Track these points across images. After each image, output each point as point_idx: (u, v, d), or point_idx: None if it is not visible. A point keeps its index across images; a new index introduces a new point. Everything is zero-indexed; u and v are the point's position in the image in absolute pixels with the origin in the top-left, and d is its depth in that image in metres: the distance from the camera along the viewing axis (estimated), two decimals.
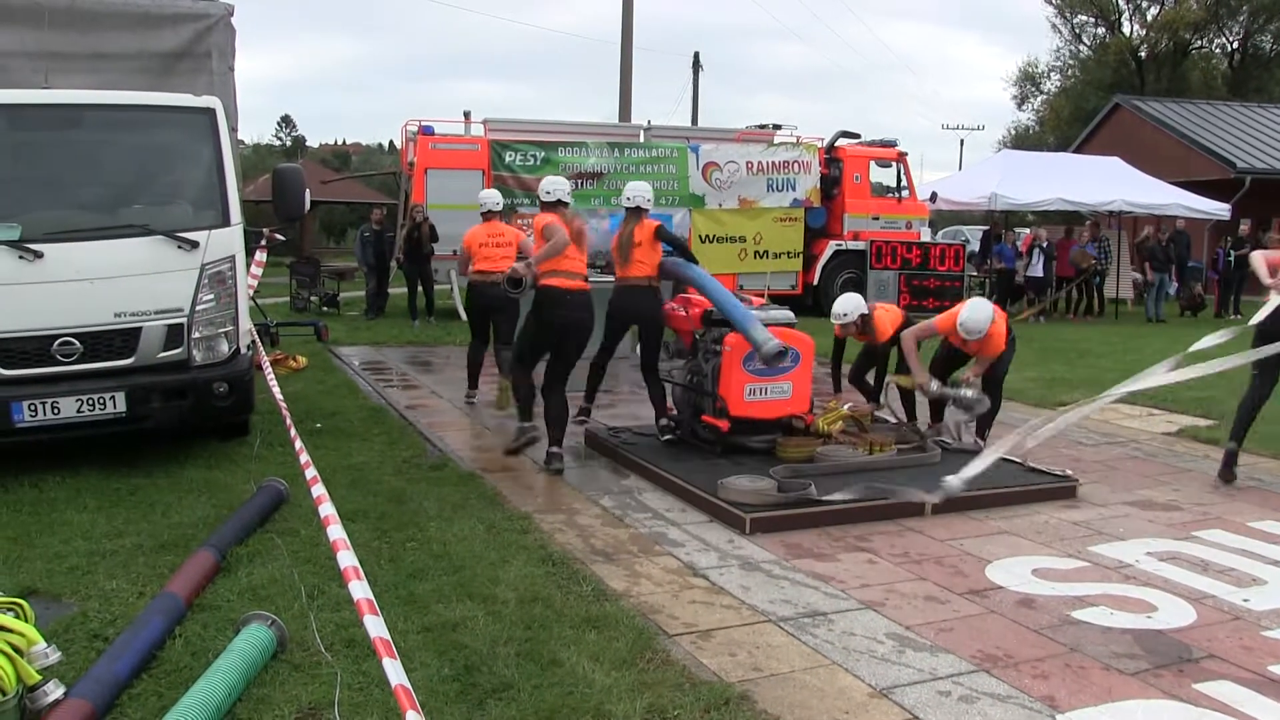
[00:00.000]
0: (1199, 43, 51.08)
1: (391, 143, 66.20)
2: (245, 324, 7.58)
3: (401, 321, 17.19)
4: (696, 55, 41.72)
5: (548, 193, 7.90)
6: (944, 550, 6.04)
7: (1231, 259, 23.84)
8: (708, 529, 6.29)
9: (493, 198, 10.89)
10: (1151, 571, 5.77)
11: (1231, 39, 51.28)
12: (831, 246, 20.71)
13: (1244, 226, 24.79)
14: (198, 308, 7.03)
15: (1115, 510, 7.07)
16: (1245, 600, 5.38)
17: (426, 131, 18.33)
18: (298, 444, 5.96)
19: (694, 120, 38.94)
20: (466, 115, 19.14)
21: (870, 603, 5.14)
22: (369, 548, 5.52)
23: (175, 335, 6.98)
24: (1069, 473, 7.64)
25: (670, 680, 4.10)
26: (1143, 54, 50.54)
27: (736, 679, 4.18)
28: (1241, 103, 38.26)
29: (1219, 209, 24.30)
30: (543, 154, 18.63)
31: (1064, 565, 5.84)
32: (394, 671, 2.96)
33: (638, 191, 8.38)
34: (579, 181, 18.70)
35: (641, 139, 19.94)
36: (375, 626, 3.24)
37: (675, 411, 8.35)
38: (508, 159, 18.42)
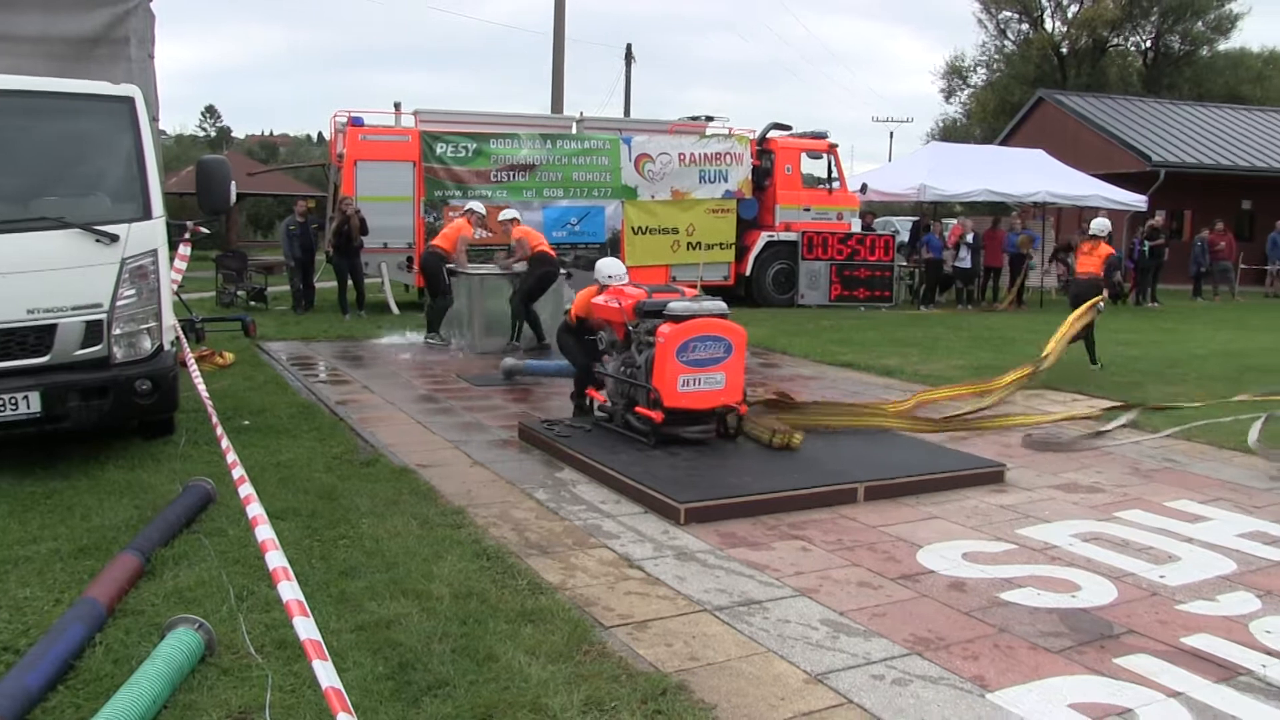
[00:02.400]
0: (1116, 40, 52.46)
1: (320, 134, 65.48)
2: (169, 320, 7.41)
3: (331, 315, 16.98)
4: (629, 47, 41.69)
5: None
6: (876, 536, 6.10)
7: (1145, 249, 24.38)
8: (643, 520, 6.29)
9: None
10: (1076, 552, 5.89)
11: (1145, 38, 52.77)
12: (763, 238, 20.83)
13: (1159, 218, 25.35)
14: (118, 303, 6.85)
15: (1041, 494, 7.19)
16: (1162, 577, 5.53)
17: (356, 123, 18.10)
18: (224, 442, 5.85)
19: (626, 112, 38.94)
20: (397, 106, 18.95)
21: (804, 590, 5.17)
22: (300, 546, 5.44)
23: (94, 332, 6.79)
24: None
25: (607, 672, 4.09)
26: (1064, 50, 51.66)
27: (673, 669, 4.19)
28: (1156, 99, 39.32)
29: (1137, 200, 24.85)
30: (474, 145, 18.49)
31: (993, 548, 5.93)
32: (325, 673, 2.91)
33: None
34: (510, 173, 18.61)
35: (574, 130, 19.88)
36: (305, 628, 3.18)
37: (608, 403, 8.35)
38: (439, 150, 18.27)
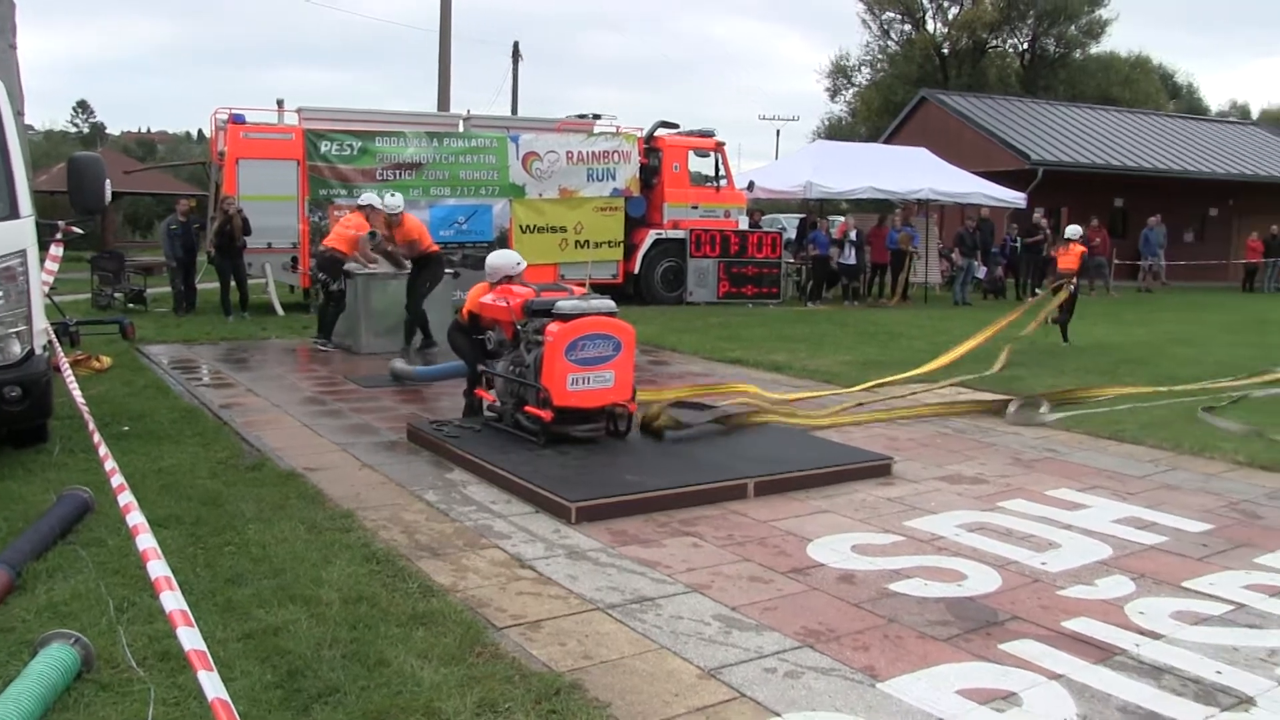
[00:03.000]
0: (995, 42, 54.08)
1: (200, 131, 63.84)
2: (40, 323, 7.15)
3: (214, 317, 16.59)
4: (516, 45, 41.38)
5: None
6: (767, 531, 6.16)
7: (1018, 245, 25.12)
8: (534, 520, 6.27)
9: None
10: (961, 542, 6.03)
11: (1022, 40, 54.52)
12: (652, 235, 20.92)
13: (1038, 214, 26.13)
14: None
15: (928, 486, 7.34)
16: (1043, 564, 5.68)
17: (237, 120, 17.69)
18: (102, 449, 5.67)
19: (514, 110, 38.82)
20: (280, 104, 18.61)
21: (696, 586, 5.21)
22: (183, 555, 5.30)
23: None
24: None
25: (500, 673, 4.07)
26: (945, 50, 52.97)
27: (567, 668, 4.18)
28: (1033, 99, 40.59)
29: (1016, 198, 25.57)
30: (359, 144, 18.24)
31: (881, 540, 6.04)
32: (210, 684, 2.84)
33: None
34: (396, 172, 18.39)
35: (461, 129, 19.75)
36: (189, 638, 3.10)
37: (498, 402, 8.30)
38: (323, 149, 17.98)
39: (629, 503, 6.44)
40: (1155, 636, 4.69)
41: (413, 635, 4.39)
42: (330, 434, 8.52)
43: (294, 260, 17.88)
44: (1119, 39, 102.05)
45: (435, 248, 13.36)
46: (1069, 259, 15.75)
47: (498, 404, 8.31)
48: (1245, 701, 4.08)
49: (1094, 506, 6.85)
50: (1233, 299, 26.63)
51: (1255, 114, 63.34)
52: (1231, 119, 53.24)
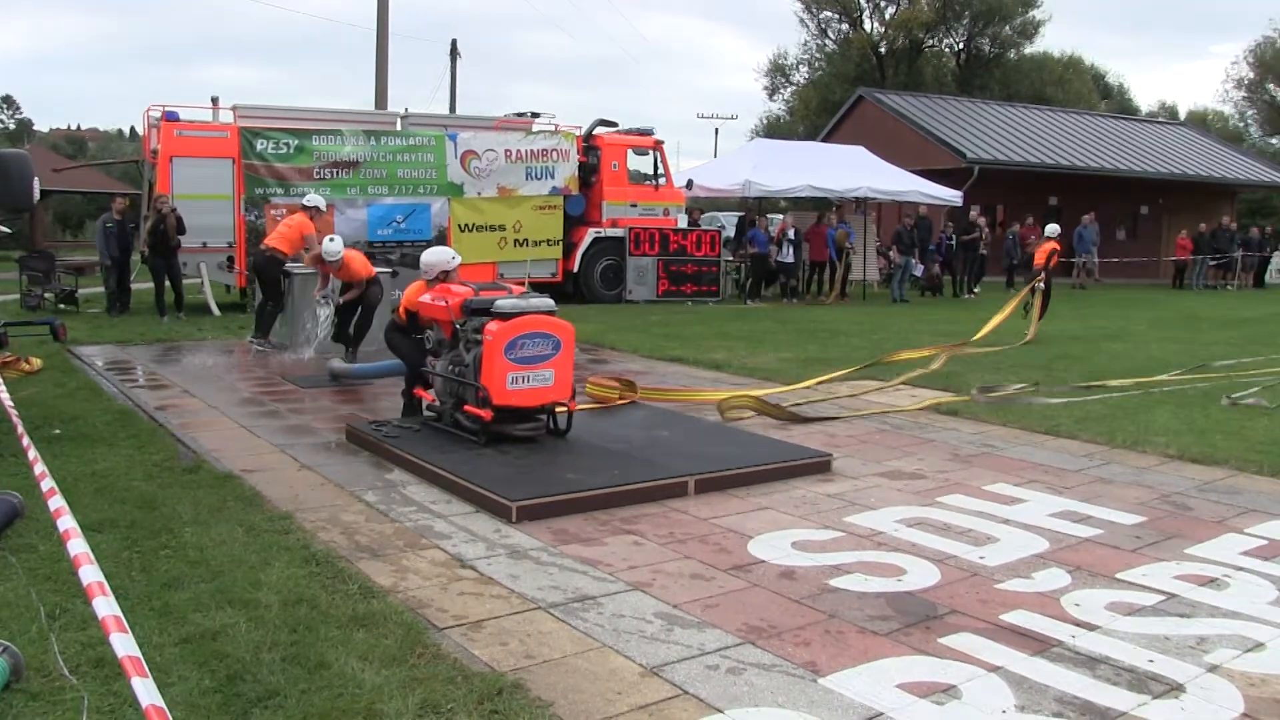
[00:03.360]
0: (931, 42, 54.84)
1: (133, 128, 62.82)
2: None
3: (149, 318, 16.33)
4: (454, 42, 41.18)
5: None
6: (707, 529, 6.18)
7: (954, 243, 25.43)
8: (474, 519, 6.24)
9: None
10: (901, 537, 6.08)
11: (958, 40, 55.33)
12: (591, 234, 20.91)
13: (975, 212, 26.45)
14: None
15: (867, 482, 7.40)
16: (981, 558, 5.75)
17: (171, 117, 17.42)
18: (32, 452, 5.56)
19: (452, 108, 38.60)
20: (215, 101, 18.35)
21: (638, 584, 5.21)
22: (118, 559, 5.22)
23: None
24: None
25: (442, 674, 4.04)
26: (882, 50, 53.53)
27: (509, 668, 4.16)
28: (969, 98, 41.14)
29: (953, 196, 25.87)
30: (296, 142, 18.04)
31: (821, 536, 6.08)
32: (145, 690, 2.78)
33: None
34: (334, 170, 18.22)
35: (399, 127, 19.61)
36: (124, 644, 3.04)
37: (437, 402, 8.26)
38: (259, 147, 17.76)
39: (570, 501, 6.44)
40: (1091, 628, 4.77)
41: (353, 637, 4.36)
42: (268, 435, 8.42)
43: (230, 260, 17.65)
44: (1052, 40, 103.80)
45: (374, 272, 13.09)
46: (1039, 255, 17.28)
47: (437, 403, 8.27)
48: (1176, 689, 4.16)
49: (1030, 501, 6.95)
50: (1163, 296, 27.16)
51: (1182, 115, 64.61)
52: (1161, 119, 54.29)
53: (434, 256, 8.61)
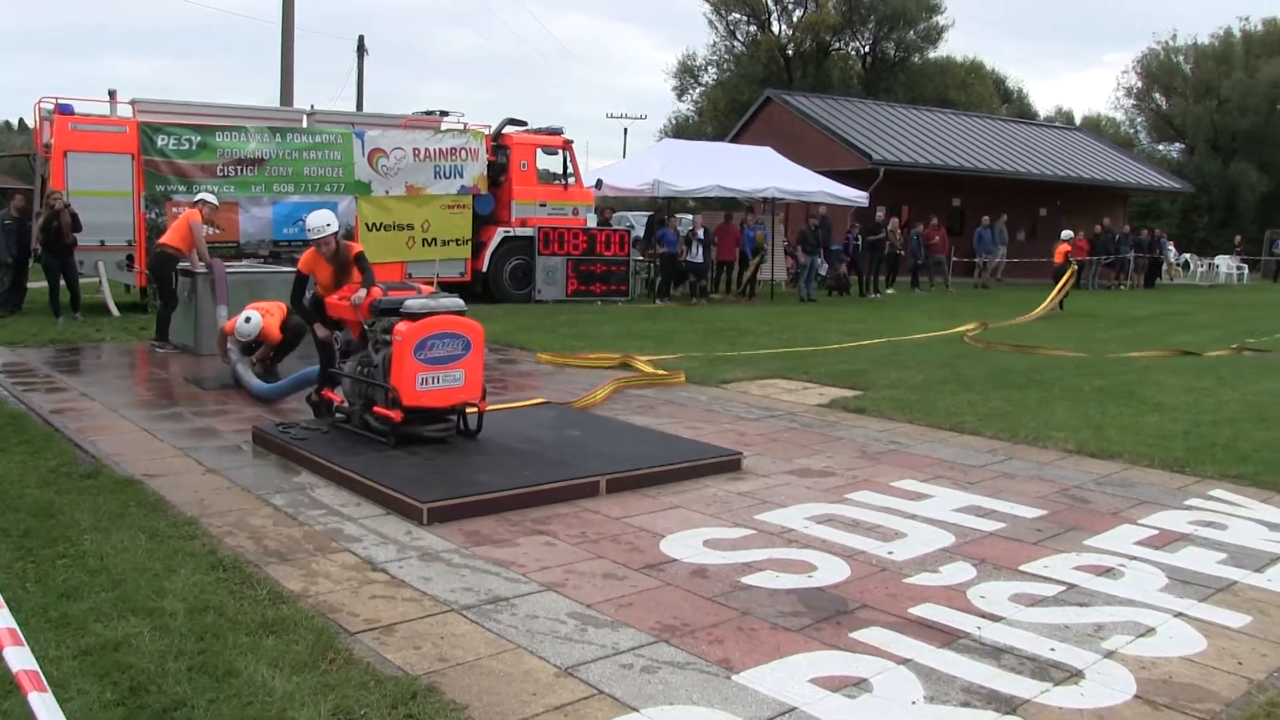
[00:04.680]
0: (838, 45, 55.73)
1: (23, 121, 60.86)
2: None
3: (43, 318, 15.83)
4: (361, 39, 40.56)
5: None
6: (620, 528, 6.19)
7: (860, 243, 25.80)
8: (385, 522, 6.18)
9: None
10: (811, 534, 6.16)
11: (864, 44, 56.27)
12: (500, 233, 20.78)
13: (881, 213, 26.87)
14: None
15: (777, 479, 7.47)
16: (890, 553, 5.85)
17: (65, 110, 16.89)
18: None
19: (359, 106, 38.05)
20: (112, 94, 17.82)
21: (551, 584, 5.20)
22: (11, 570, 5.06)
23: None
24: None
25: (355, 679, 4.00)
26: (790, 52, 54.18)
27: (422, 671, 4.13)
28: (875, 101, 41.80)
29: (859, 196, 26.22)
30: (199, 138, 17.64)
31: (733, 534, 6.13)
32: (43, 706, 2.70)
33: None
34: (238, 168, 17.88)
35: (305, 124, 19.29)
36: (19, 658, 2.95)
37: (346, 403, 8.15)
38: (160, 143, 17.33)
39: (481, 502, 6.41)
40: (995, 619, 4.89)
41: (263, 644, 4.28)
42: (171, 438, 8.24)
43: (129, 259, 17.21)
44: (955, 45, 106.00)
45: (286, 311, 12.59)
46: (1058, 256, 23.48)
47: (346, 405, 8.16)
48: (1076, 675, 4.31)
49: (937, 496, 7.08)
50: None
51: (1078, 121, 66.47)
52: (1058, 124, 55.77)
53: (310, 220, 8.50)
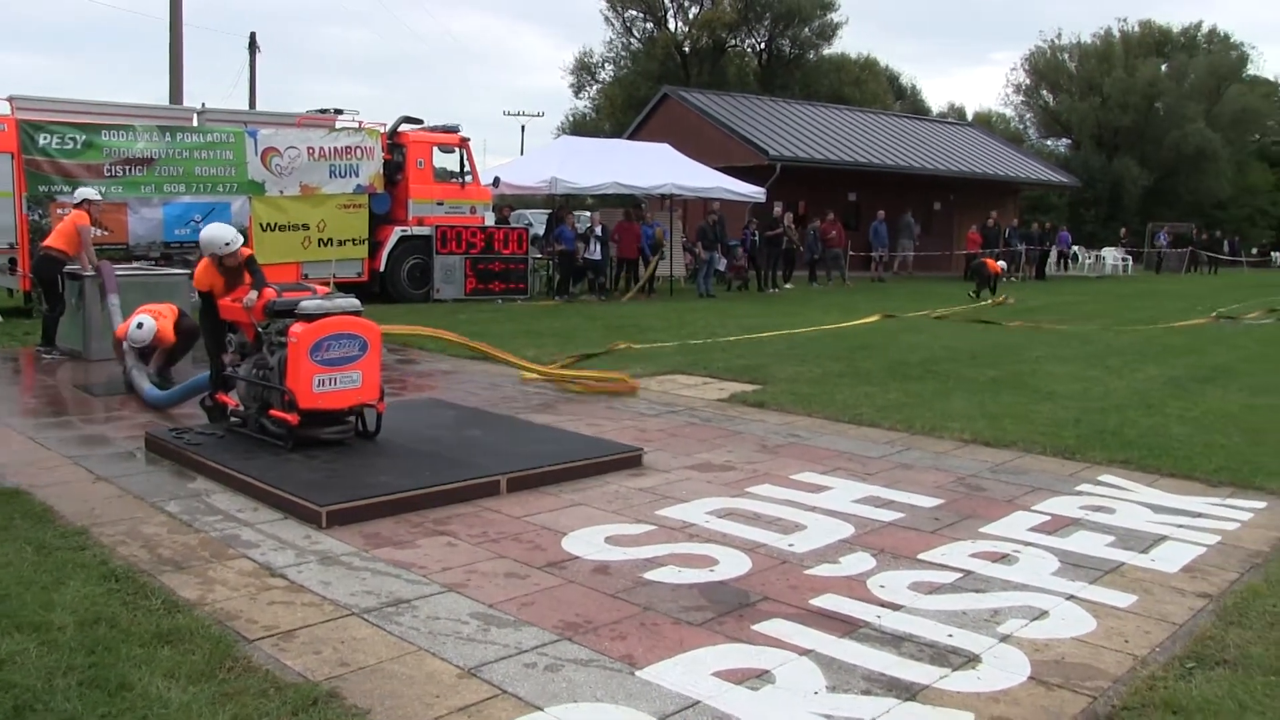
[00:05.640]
0: (734, 42, 56.25)
1: None
2: None
3: None
4: (253, 35, 39.82)
5: None
6: (521, 527, 6.17)
7: (757, 238, 26.06)
8: (283, 526, 6.07)
9: None
10: (712, 528, 6.20)
11: (760, 40, 56.89)
12: (397, 233, 20.57)
13: (778, 208, 27.16)
14: None
15: (678, 475, 7.51)
16: (791, 545, 5.91)
17: None
18: None
19: (252, 104, 37.36)
20: None
21: (453, 585, 5.17)
22: None
23: None
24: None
25: (254, 687, 3.92)
26: (687, 49, 54.51)
27: (323, 677, 4.07)
28: (771, 97, 42.26)
29: (756, 192, 26.46)
30: (84, 137, 17.13)
31: (634, 530, 6.14)
32: None
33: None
34: (126, 167, 17.42)
35: (195, 123, 18.85)
36: None
37: (241, 407, 7.99)
38: (42, 142, 16.78)
39: (381, 504, 6.33)
40: (895, 607, 4.97)
41: (157, 655, 4.18)
42: (59, 446, 7.99)
43: (11, 262, 16.66)
44: (849, 42, 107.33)
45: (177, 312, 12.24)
46: None
47: (241, 408, 8.00)
48: (973, 660, 4.40)
49: (836, 488, 7.18)
50: (955, 288, 28.31)
51: (969, 117, 68.02)
52: (951, 120, 56.99)
53: (207, 236, 8.19)
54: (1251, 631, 4.73)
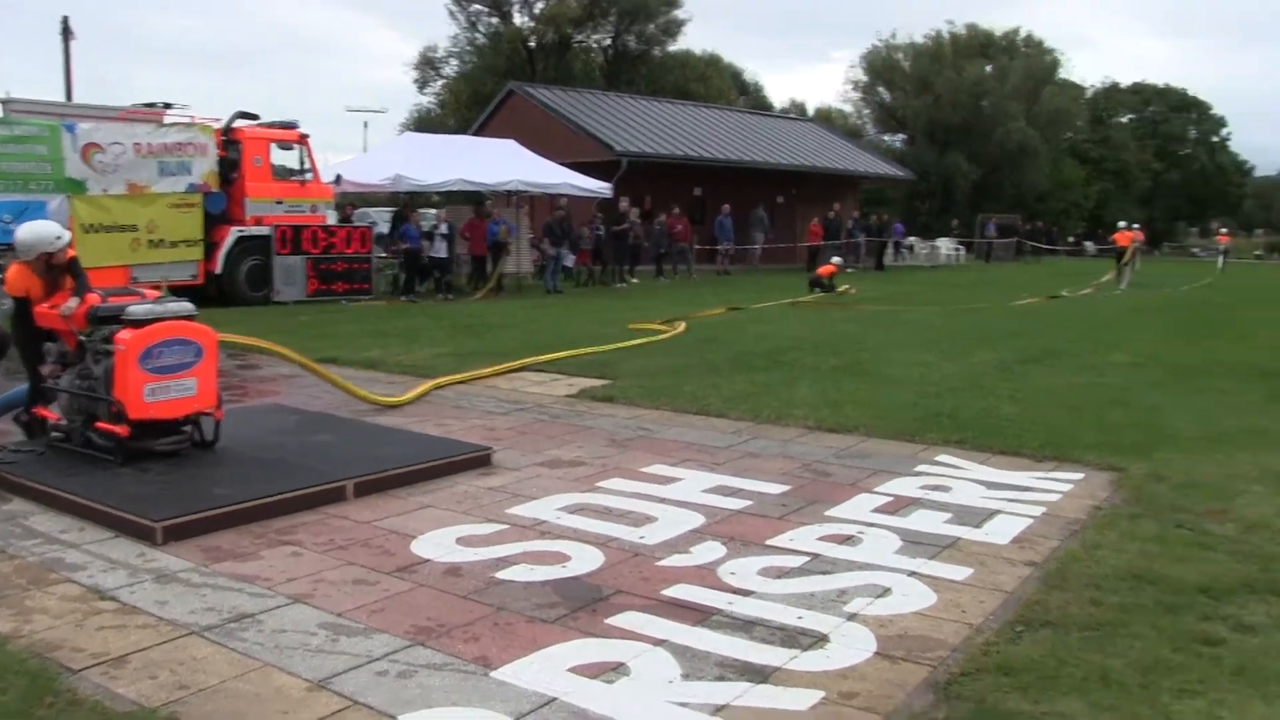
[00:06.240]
0: (580, 37, 56.35)
1: None
2: None
3: None
4: (66, 20, 37.09)
5: None
6: (369, 532, 6.02)
7: (603, 233, 26.14)
8: (113, 545, 5.75)
9: None
10: (564, 525, 6.16)
11: (605, 36, 57.16)
12: (234, 233, 19.86)
13: (624, 203, 27.26)
14: None
15: (528, 472, 7.44)
16: (642, 538, 5.93)
17: None
18: None
19: (68, 95, 35.37)
20: None
21: (299, 596, 5.00)
22: None
23: None
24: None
25: None
26: (532, 44, 54.36)
27: (161, 701, 3.87)
28: (617, 93, 42.44)
29: (603, 188, 26.49)
30: None
31: (485, 530, 6.06)
32: None
33: None
34: None
35: (1, 114, 17.79)
36: None
37: (64, 421, 7.56)
38: None
39: (221, 516, 6.08)
40: (746, 594, 5.03)
41: None
42: None
43: None
44: (694, 39, 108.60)
45: None
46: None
47: (64, 422, 7.56)
48: (822, 639, 4.51)
49: (685, 479, 7.21)
50: (797, 279, 28.81)
51: (810, 112, 69.60)
52: (793, 116, 58.09)
53: (32, 234, 7.48)
54: (1070, 594, 5.03)
